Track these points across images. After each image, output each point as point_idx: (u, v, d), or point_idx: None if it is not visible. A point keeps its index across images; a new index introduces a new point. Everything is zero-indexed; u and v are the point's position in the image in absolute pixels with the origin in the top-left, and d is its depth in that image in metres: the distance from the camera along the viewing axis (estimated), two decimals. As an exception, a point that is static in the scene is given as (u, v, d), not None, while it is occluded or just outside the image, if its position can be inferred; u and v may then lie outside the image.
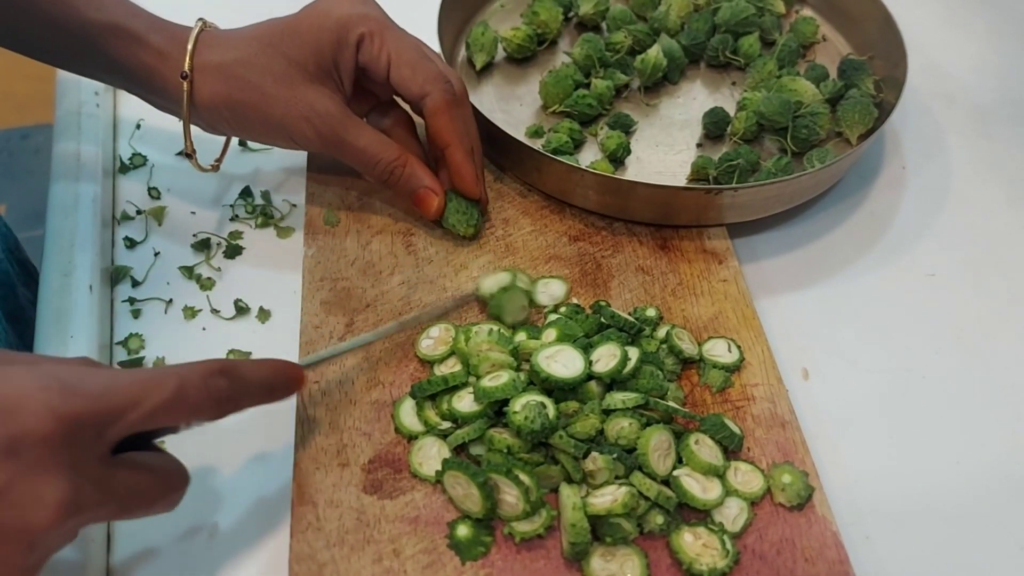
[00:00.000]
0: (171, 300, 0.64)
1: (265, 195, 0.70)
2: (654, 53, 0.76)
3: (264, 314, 0.62)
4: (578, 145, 0.73)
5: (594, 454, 0.52)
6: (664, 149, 0.74)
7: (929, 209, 0.74)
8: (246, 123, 0.62)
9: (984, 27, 0.91)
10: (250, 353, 0.60)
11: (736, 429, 0.55)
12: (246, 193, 0.70)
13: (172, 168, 0.72)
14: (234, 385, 0.46)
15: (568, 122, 0.73)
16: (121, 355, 0.61)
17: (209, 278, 0.65)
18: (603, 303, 0.61)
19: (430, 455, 0.54)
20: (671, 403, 0.56)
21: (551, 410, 0.52)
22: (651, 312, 0.61)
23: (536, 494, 0.51)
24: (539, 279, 0.64)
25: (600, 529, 0.51)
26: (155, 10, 0.62)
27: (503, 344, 0.57)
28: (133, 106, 0.72)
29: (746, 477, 0.54)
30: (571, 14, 0.83)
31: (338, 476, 0.53)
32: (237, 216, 0.69)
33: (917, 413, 0.61)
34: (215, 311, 0.63)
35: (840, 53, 0.81)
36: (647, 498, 0.52)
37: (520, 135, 0.73)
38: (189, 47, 0.59)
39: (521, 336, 0.59)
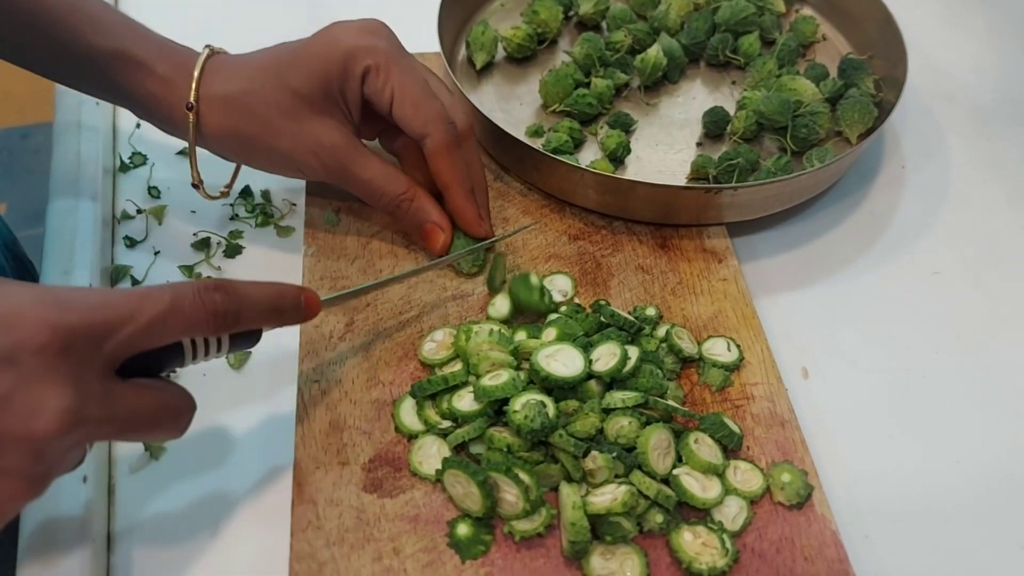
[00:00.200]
0: (171, 299, 0.64)
1: (265, 194, 0.70)
2: (654, 52, 0.76)
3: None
4: (578, 144, 0.73)
5: (594, 453, 0.52)
6: (664, 148, 0.74)
7: (929, 208, 0.74)
8: (253, 154, 0.62)
9: (984, 27, 0.91)
10: (249, 353, 0.60)
11: (735, 428, 0.56)
12: (246, 192, 0.70)
13: (172, 167, 0.72)
14: (231, 299, 0.46)
15: (568, 121, 0.73)
16: (121, 354, 0.61)
17: (209, 277, 0.65)
18: (603, 302, 0.61)
19: (430, 454, 0.54)
20: (671, 402, 0.56)
21: (551, 409, 0.53)
22: (651, 311, 0.62)
23: (536, 493, 0.51)
24: (544, 276, 0.64)
25: (600, 528, 0.51)
26: (167, 32, 0.62)
27: (503, 343, 0.57)
28: (133, 105, 0.72)
29: (745, 476, 0.54)
30: (571, 13, 0.83)
31: (338, 475, 0.53)
32: (237, 215, 0.69)
33: (917, 412, 0.61)
34: (215, 310, 0.63)
35: (840, 52, 0.81)
36: (647, 497, 0.52)
37: (520, 134, 0.73)
38: (195, 75, 0.59)
39: (521, 335, 0.59)
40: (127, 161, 0.72)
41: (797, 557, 0.51)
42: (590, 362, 0.55)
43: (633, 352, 0.57)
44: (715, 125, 0.74)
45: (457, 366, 0.58)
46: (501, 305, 0.61)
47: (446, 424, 0.55)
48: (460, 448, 0.54)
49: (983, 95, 0.84)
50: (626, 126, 0.74)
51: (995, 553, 0.54)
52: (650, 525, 0.52)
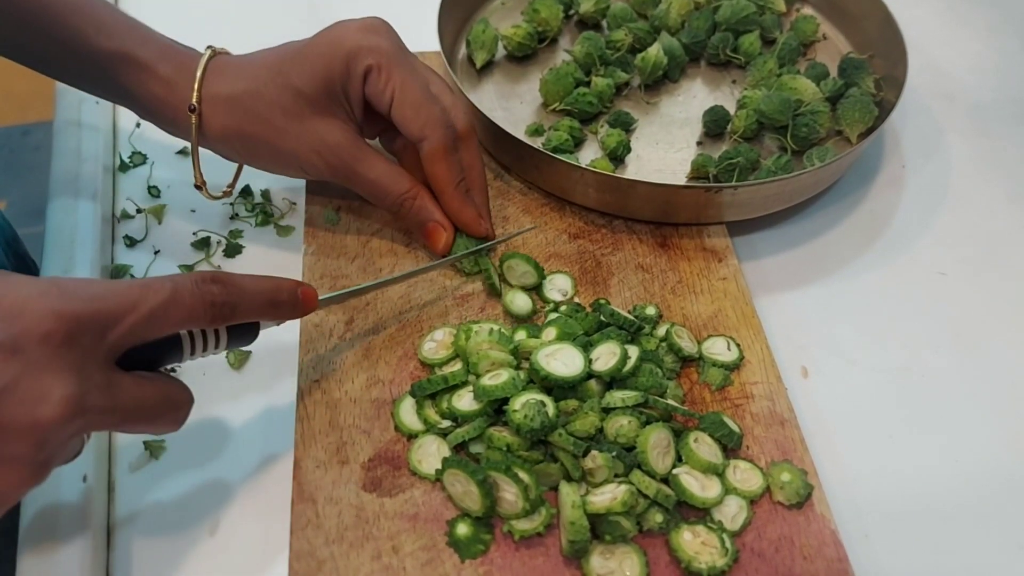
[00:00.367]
0: (171, 298, 0.64)
1: (265, 194, 0.70)
2: (654, 51, 0.76)
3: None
4: (578, 143, 0.73)
5: (593, 452, 0.52)
6: (664, 147, 0.74)
7: (929, 208, 0.74)
8: (257, 154, 0.62)
9: (984, 26, 0.91)
10: (249, 353, 0.60)
11: (735, 427, 0.56)
12: (246, 192, 0.70)
13: (172, 167, 0.72)
14: (228, 291, 0.47)
15: (568, 120, 0.73)
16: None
17: (209, 275, 0.65)
18: (603, 301, 0.61)
19: (429, 453, 0.54)
20: (670, 401, 0.56)
21: (551, 408, 0.53)
22: (651, 310, 0.62)
23: (535, 492, 0.51)
24: (545, 276, 0.64)
25: (599, 527, 0.51)
26: (169, 32, 0.62)
27: (503, 343, 0.57)
28: (133, 104, 0.72)
29: (745, 475, 0.54)
30: (572, 12, 0.83)
31: (338, 473, 0.53)
32: (237, 215, 0.69)
33: (916, 412, 0.61)
34: (215, 309, 0.63)
35: (840, 52, 0.81)
36: (646, 496, 0.52)
37: (520, 133, 0.73)
38: (198, 76, 0.59)
39: (521, 335, 0.59)
40: (127, 160, 0.72)
41: (796, 556, 0.51)
42: (590, 361, 0.55)
43: (633, 351, 0.57)
44: (715, 124, 0.74)
45: (457, 365, 0.58)
46: (521, 302, 0.62)
47: (446, 423, 0.55)
48: (460, 447, 0.54)
49: (983, 94, 0.84)
50: (626, 125, 0.74)
51: (995, 553, 0.54)
52: (650, 524, 0.52)
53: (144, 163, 0.72)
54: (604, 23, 0.83)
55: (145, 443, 0.55)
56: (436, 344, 0.59)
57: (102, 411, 0.42)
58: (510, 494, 0.51)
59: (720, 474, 0.54)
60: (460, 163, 0.62)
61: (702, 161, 0.70)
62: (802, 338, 0.64)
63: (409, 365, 0.59)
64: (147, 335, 0.44)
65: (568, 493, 0.50)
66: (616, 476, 0.52)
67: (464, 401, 0.55)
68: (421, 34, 0.73)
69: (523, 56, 0.80)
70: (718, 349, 0.60)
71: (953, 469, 0.58)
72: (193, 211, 0.69)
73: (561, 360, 0.55)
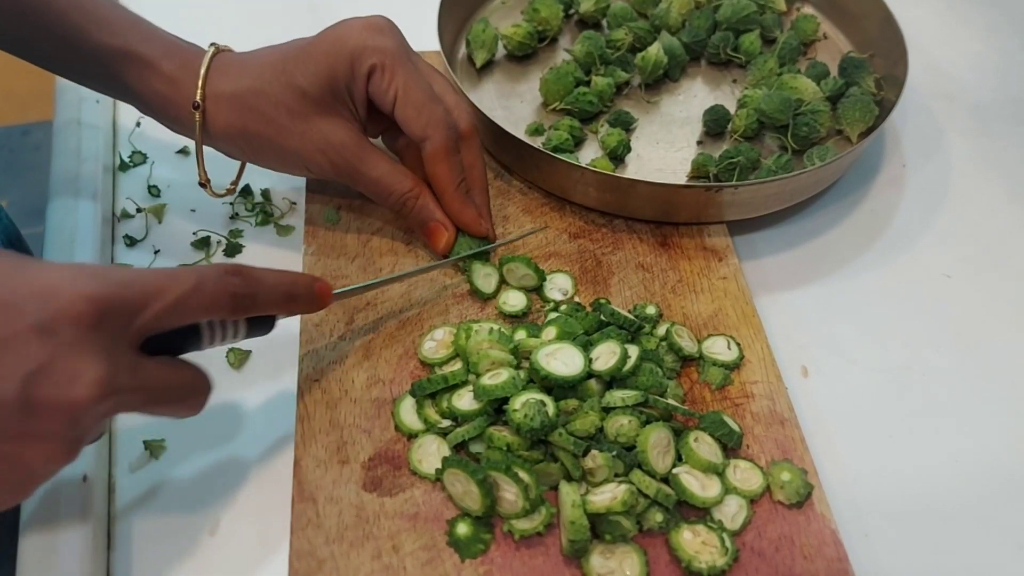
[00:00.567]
0: (171, 297, 0.64)
1: (265, 193, 0.70)
2: (655, 50, 0.76)
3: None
4: (578, 143, 0.73)
5: (593, 452, 0.52)
6: (664, 146, 0.74)
7: (929, 207, 0.74)
8: (260, 153, 0.62)
9: (984, 25, 0.91)
10: (250, 352, 0.60)
11: (735, 427, 0.56)
12: (246, 191, 0.70)
13: (172, 166, 0.72)
14: (248, 283, 0.48)
15: (568, 119, 0.73)
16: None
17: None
18: (603, 301, 0.61)
19: (430, 453, 0.54)
20: (671, 401, 0.56)
21: (551, 408, 0.53)
22: (651, 309, 0.61)
23: (535, 492, 0.51)
24: (545, 277, 0.64)
25: (599, 527, 0.51)
26: (172, 29, 0.62)
27: (503, 342, 0.57)
28: (133, 103, 0.72)
29: (745, 475, 0.54)
30: (572, 11, 0.83)
31: (338, 473, 0.53)
32: (237, 214, 0.69)
33: (916, 411, 0.61)
34: (215, 308, 0.63)
35: (841, 51, 0.81)
36: (646, 496, 0.52)
37: (520, 133, 0.73)
38: (201, 73, 0.59)
39: (521, 334, 0.59)
40: (127, 160, 0.72)
41: (796, 556, 0.51)
42: (590, 361, 0.55)
43: (633, 351, 0.57)
44: (716, 123, 0.74)
45: (457, 365, 0.58)
46: (515, 300, 0.62)
47: (446, 423, 0.55)
48: (460, 447, 0.54)
49: (983, 94, 0.84)
50: (626, 124, 0.74)
51: (995, 552, 0.54)
52: (650, 524, 0.52)
53: (144, 162, 0.72)
54: (604, 22, 0.83)
55: (145, 443, 0.55)
56: (436, 343, 0.59)
57: (130, 392, 0.43)
58: (510, 494, 0.51)
59: (720, 473, 0.54)
60: (461, 163, 0.62)
61: (702, 160, 0.70)
62: (802, 337, 0.64)
63: (409, 364, 0.59)
64: (171, 322, 0.45)
65: (568, 492, 0.50)
66: (616, 475, 0.52)
67: (464, 400, 0.55)
68: (421, 33, 0.73)
69: (523, 55, 0.80)
70: (718, 348, 0.60)
71: (953, 469, 0.58)
72: (193, 211, 0.69)
73: (561, 359, 0.55)
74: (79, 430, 0.41)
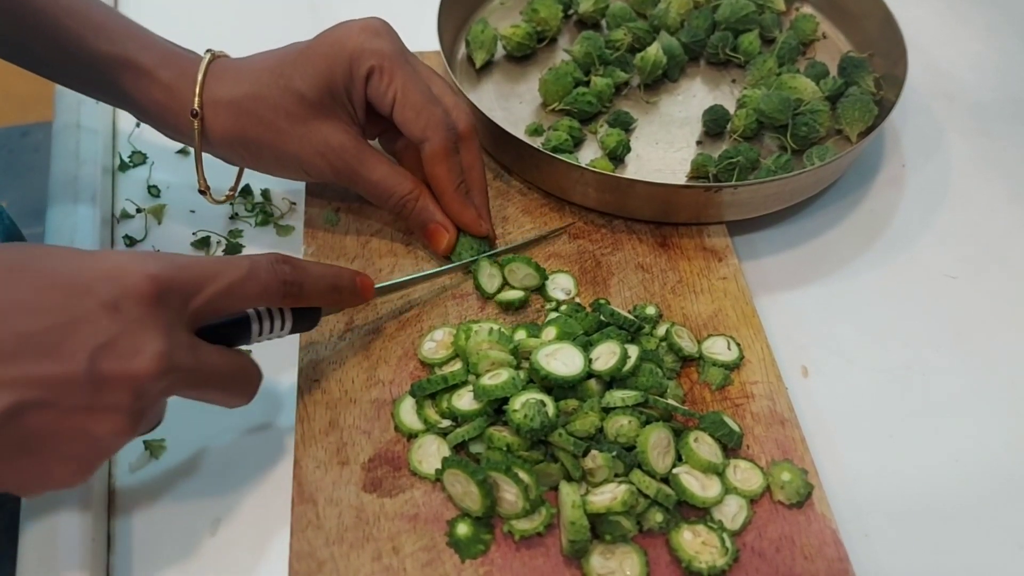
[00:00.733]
0: (171, 298, 0.64)
1: (265, 193, 0.70)
2: (654, 51, 0.76)
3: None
4: (578, 143, 0.73)
5: (593, 452, 0.52)
6: (664, 147, 0.74)
7: (929, 207, 0.74)
8: (259, 158, 0.62)
9: (984, 25, 0.91)
10: (249, 352, 0.60)
11: (735, 427, 0.56)
12: (246, 191, 0.70)
13: (172, 166, 0.72)
14: (297, 272, 0.50)
15: (568, 120, 0.73)
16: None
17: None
18: (603, 301, 0.61)
19: (430, 453, 0.54)
20: (670, 401, 0.56)
21: (550, 408, 0.53)
22: (651, 310, 0.61)
23: (535, 492, 0.51)
24: (547, 276, 0.64)
25: (599, 527, 0.51)
26: (169, 33, 0.62)
27: (503, 342, 0.57)
28: (133, 104, 0.72)
29: (745, 475, 0.54)
30: (571, 11, 0.83)
31: (338, 474, 0.53)
32: (237, 214, 0.69)
33: (916, 411, 0.61)
34: (215, 309, 0.63)
35: (840, 51, 0.81)
36: (646, 496, 0.52)
37: (520, 133, 0.73)
38: (199, 80, 0.59)
39: (521, 334, 0.59)
40: (127, 160, 0.72)
41: (797, 556, 0.51)
42: (590, 361, 0.55)
43: (633, 351, 0.57)
44: (715, 123, 0.74)
45: (457, 365, 0.58)
46: (512, 294, 0.62)
47: (446, 423, 0.55)
48: (460, 447, 0.54)
49: (983, 93, 0.84)
50: (626, 124, 0.74)
51: (995, 552, 0.54)
52: (650, 524, 0.52)
53: (144, 163, 0.72)
54: (603, 23, 0.83)
55: (145, 443, 0.55)
56: (436, 344, 0.59)
57: (187, 371, 0.45)
58: (510, 494, 0.51)
59: (720, 474, 0.54)
60: (461, 164, 0.62)
61: (702, 160, 0.70)
62: (802, 337, 0.64)
63: (409, 365, 0.59)
64: (225, 306, 0.47)
65: (568, 493, 0.50)
66: (616, 476, 0.52)
67: (464, 401, 0.55)
68: (420, 34, 0.73)
69: (522, 56, 0.80)
70: (718, 349, 0.60)
71: (953, 469, 0.58)
72: (193, 211, 0.69)
73: (561, 360, 0.55)
74: (142, 403, 0.43)
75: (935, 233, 0.72)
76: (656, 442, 0.53)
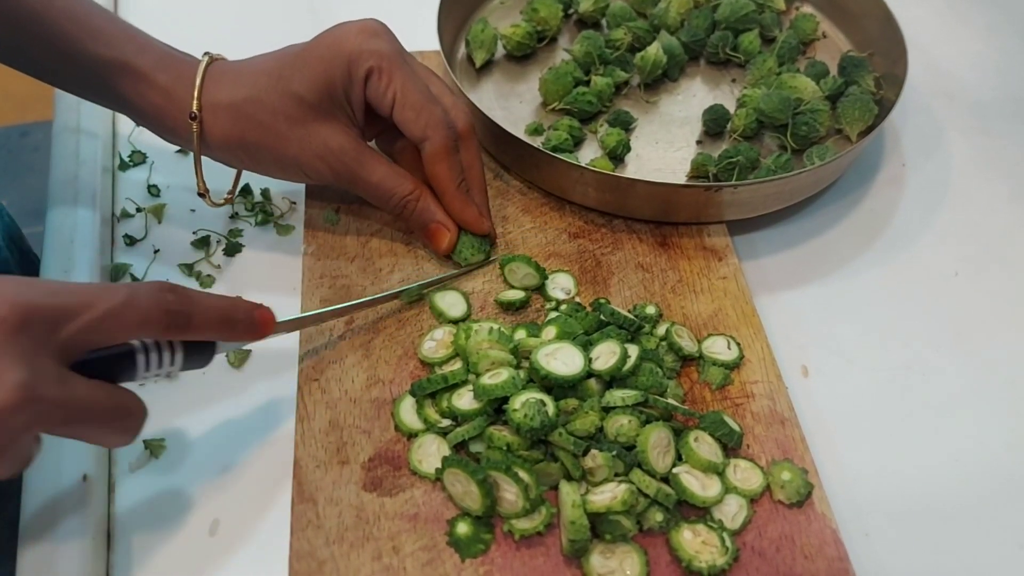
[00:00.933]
0: (171, 298, 0.63)
1: (265, 193, 0.70)
2: (654, 50, 0.76)
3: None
4: (578, 142, 0.73)
5: (593, 451, 0.52)
6: (664, 146, 0.74)
7: (929, 206, 0.74)
8: (259, 161, 0.62)
9: (984, 24, 0.91)
10: (249, 352, 0.60)
11: (735, 426, 0.56)
12: (246, 191, 0.70)
13: (172, 166, 0.72)
14: (183, 301, 0.46)
15: (568, 119, 0.73)
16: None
17: (209, 275, 0.65)
18: (603, 300, 0.61)
19: (430, 453, 0.54)
20: (671, 400, 0.56)
21: (551, 407, 0.53)
22: (651, 309, 0.61)
23: (535, 491, 0.51)
24: (547, 276, 0.64)
25: (599, 526, 0.51)
26: (167, 35, 0.62)
27: (503, 342, 0.57)
28: (133, 103, 0.72)
29: (745, 474, 0.54)
30: (571, 11, 0.83)
31: (338, 474, 0.53)
32: (237, 214, 0.69)
33: (917, 410, 0.61)
34: (215, 309, 0.63)
35: (840, 50, 0.81)
36: (646, 495, 0.52)
37: (520, 132, 0.73)
38: (197, 83, 0.59)
39: (521, 334, 0.59)
40: (127, 160, 0.72)
41: (797, 555, 0.51)
42: (590, 360, 0.55)
43: (633, 350, 0.57)
44: (715, 123, 0.74)
45: (457, 365, 0.58)
46: (512, 295, 0.62)
47: (446, 423, 0.55)
48: (460, 447, 0.54)
49: (983, 92, 0.84)
50: (626, 124, 0.74)
51: (995, 552, 0.54)
52: (650, 523, 0.52)
53: (144, 162, 0.72)
54: (603, 22, 0.83)
55: (145, 442, 0.55)
56: (436, 343, 0.59)
57: (54, 404, 0.41)
58: (510, 493, 0.51)
59: (720, 473, 0.54)
60: (461, 163, 0.62)
61: (702, 160, 0.70)
62: (802, 337, 0.64)
63: (409, 364, 0.59)
64: (101, 337, 0.44)
65: (568, 492, 0.50)
66: (616, 475, 0.52)
67: (464, 400, 0.55)
68: (420, 33, 0.73)
69: (522, 55, 0.80)
70: (718, 348, 0.60)
71: (953, 469, 0.58)
72: (193, 210, 0.69)
73: (561, 359, 0.55)
74: (1, 436, 0.40)
75: (935, 233, 0.72)
76: (656, 441, 0.53)
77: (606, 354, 0.56)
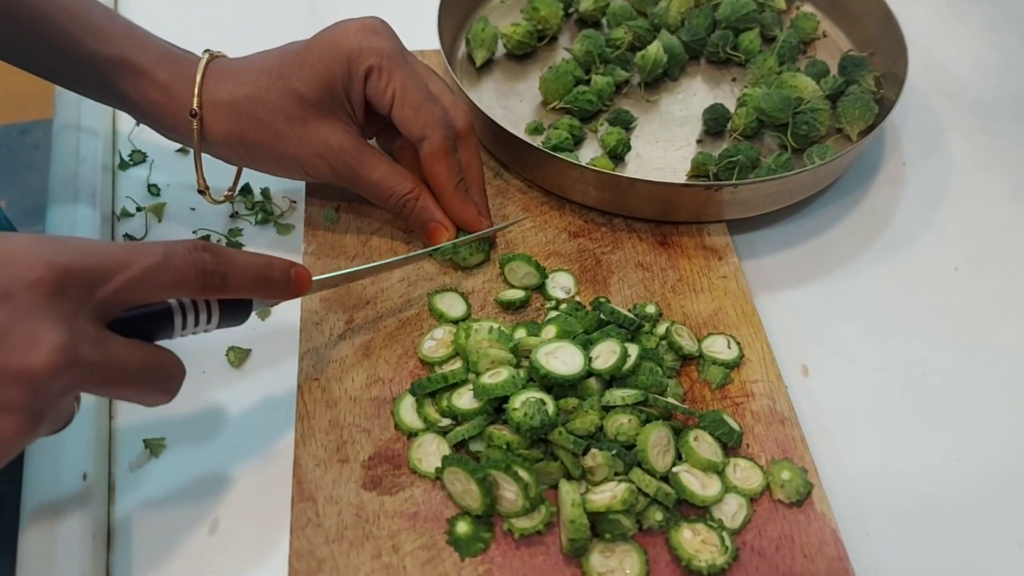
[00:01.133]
0: (171, 296, 0.64)
1: (265, 192, 0.70)
2: (654, 49, 0.76)
3: (264, 311, 0.62)
4: (578, 141, 0.73)
5: (593, 450, 0.52)
6: (664, 145, 0.74)
7: (929, 205, 0.74)
8: (259, 159, 0.62)
9: (984, 23, 0.91)
10: (249, 351, 0.60)
11: (735, 426, 0.56)
12: (246, 190, 0.70)
13: (172, 165, 0.72)
14: (219, 261, 0.46)
15: (568, 118, 0.73)
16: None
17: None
18: (603, 299, 0.61)
19: (429, 452, 0.54)
20: (670, 399, 0.56)
21: (550, 407, 0.52)
22: (651, 308, 0.61)
23: (535, 490, 0.51)
24: (547, 275, 0.64)
25: (599, 525, 0.51)
26: (167, 33, 0.62)
27: (503, 341, 0.57)
28: (133, 102, 0.72)
29: (745, 474, 0.54)
30: (571, 10, 0.83)
31: (338, 472, 0.53)
32: (237, 213, 0.69)
33: (917, 410, 0.61)
34: (215, 307, 0.63)
35: (840, 49, 0.81)
36: (646, 494, 0.52)
37: (520, 132, 0.73)
38: (197, 81, 0.59)
39: (521, 333, 0.59)
40: (127, 159, 0.72)
41: (797, 555, 0.51)
42: (590, 360, 0.55)
43: (633, 350, 0.57)
44: (715, 122, 0.74)
45: (457, 364, 0.58)
46: (512, 293, 0.62)
47: (446, 422, 0.55)
48: (460, 446, 0.54)
49: (984, 92, 0.84)
50: (626, 123, 0.74)
51: (995, 552, 0.54)
52: (650, 523, 0.52)
53: (144, 161, 0.72)
54: (604, 21, 0.83)
55: (145, 442, 0.55)
56: (436, 342, 0.59)
57: (93, 365, 0.41)
58: (510, 492, 0.51)
59: (720, 472, 0.54)
60: (459, 162, 0.62)
61: (702, 159, 0.70)
62: (802, 336, 0.64)
63: (409, 363, 0.59)
64: (137, 296, 0.44)
65: (568, 491, 0.50)
66: (616, 474, 0.52)
67: (464, 399, 0.55)
68: (421, 32, 0.73)
69: (523, 54, 0.80)
70: (718, 347, 0.60)
71: (954, 468, 0.58)
72: (193, 209, 0.69)
73: (561, 358, 0.55)
74: (40, 401, 0.40)
75: (935, 232, 0.72)
76: (656, 441, 0.53)
77: (606, 353, 0.56)
